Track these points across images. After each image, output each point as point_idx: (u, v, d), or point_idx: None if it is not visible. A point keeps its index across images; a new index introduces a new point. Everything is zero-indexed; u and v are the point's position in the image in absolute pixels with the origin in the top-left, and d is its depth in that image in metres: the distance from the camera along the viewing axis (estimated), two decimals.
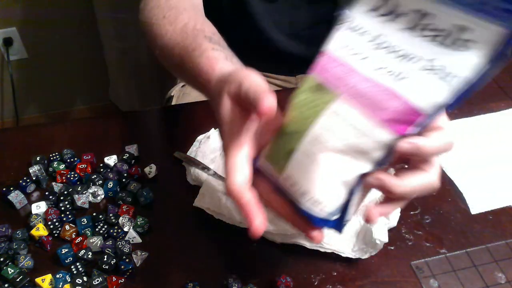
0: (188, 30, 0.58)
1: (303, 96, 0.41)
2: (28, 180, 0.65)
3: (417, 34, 0.39)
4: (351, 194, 0.40)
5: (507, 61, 0.36)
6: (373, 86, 0.38)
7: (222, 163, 0.66)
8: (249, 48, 0.85)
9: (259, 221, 0.39)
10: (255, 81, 0.39)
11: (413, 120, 0.37)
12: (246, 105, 0.40)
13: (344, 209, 0.40)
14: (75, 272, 0.55)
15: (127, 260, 0.56)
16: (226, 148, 0.41)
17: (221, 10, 0.85)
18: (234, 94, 0.41)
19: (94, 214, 0.61)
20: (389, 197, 0.43)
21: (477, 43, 0.36)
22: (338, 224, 0.41)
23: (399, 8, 0.41)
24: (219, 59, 0.51)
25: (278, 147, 0.41)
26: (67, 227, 0.59)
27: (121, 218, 0.60)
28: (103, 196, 0.64)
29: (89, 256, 0.56)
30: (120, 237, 0.59)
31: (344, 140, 0.38)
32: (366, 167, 0.38)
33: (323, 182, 0.39)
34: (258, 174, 0.43)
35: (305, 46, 0.85)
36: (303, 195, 0.40)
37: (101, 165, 0.67)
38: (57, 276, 0.54)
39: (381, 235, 0.54)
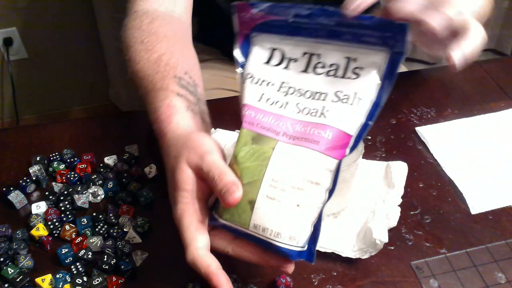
0: (161, 64, 0.57)
1: (246, 149, 0.44)
2: (28, 180, 0.65)
3: (316, 73, 0.44)
4: (318, 222, 0.43)
5: (395, 78, 0.42)
6: (304, 126, 0.43)
7: None
8: None
9: None
10: (216, 162, 0.43)
11: (346, 143, 0.42)
12: (207, 181, 0.43)
13: (315, 237, 0.44)
14: (75, 272, 0.55)
15: (127, 260, 0.56)
16: (182, 215, 0.44)
17: (216, 6, 0.85)
18: (196, 166, 0.44)
19: (94, 214, 0.61)
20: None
21: (365, 69, 0.42)
22: (311, 253, 0.44)
23: (288, 54, 0.46)
24: (179, 110, 0.51)
25: None
26: (67, 227, 0.59)
27: (121, 218, 0.60)
28: (103, 196, 0.64)
29: (89, 256, 0.56)
30: (120, 237, 0.59)
31: (298, 176, 0.42)
32: (322, 195, 0.42)
33: (293, 219, 0.42)
34: (214, 229, 0.46)
35: None
36: (277, 235, 0.43)
37: (101, 165, 0.67)
38: (57, 276, 0.54)
39: (381, 235, 0.54)
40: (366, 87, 0.42)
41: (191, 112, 0.52)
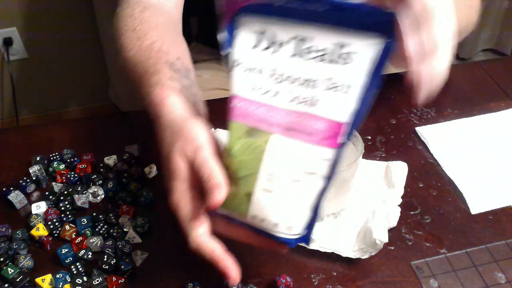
0: (153, 50, 0.58)
1: (240, 143, 0.44)
2: (28, 180, 0.65)
3: (305, 58, 0.43)
4: (316, 209, 0.44)
5: (386, 65, 0.41)
6: (297, 116, 0.43)
7: None
8: None
9: (236, 273, 0.45)
10: (207, 160, 0.43)
11: (338, 132, 0.42)
12: (198, 174, 0.44)
13: (312, 222, 0.44)
14: (75, 272, 0.55)
15: (127, 260, 0.56)
16: (178, 205, 0.45)
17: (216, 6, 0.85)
18: (189, 159, 0.45)
19: (94, 214, 0.61)
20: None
21: (358, 53, 0.41)
22: (307, 237, 0.45)
23: (277, 38, 0.44)
24: (172, 93, 0.51)
25: (233, 194, 0.44)
26: (67, 227, 0.59)
27: (121, 218, 0.60)
28: (103, 196, 0.64)
29: (89, 256, 0.56)
30: (120, 237, 0.59)
31: (294, 169, 0.42)
32: (319, 183, 0.42)
33: (290, 210, 0.43)
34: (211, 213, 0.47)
35: None
36: (275, 226, 0.43)
37: (101, 165, 0.67)
38: (57, 276, 0.54)
39: (381, 235, 0.54)
40: (357, 73, 0.42)
41: (184, 96, 0.52)
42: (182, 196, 0.45)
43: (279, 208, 0.43)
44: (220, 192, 0.42)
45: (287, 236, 0.44)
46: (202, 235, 0.45)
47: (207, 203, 0.43)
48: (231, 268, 0.45)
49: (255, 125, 0.44)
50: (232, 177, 0.44)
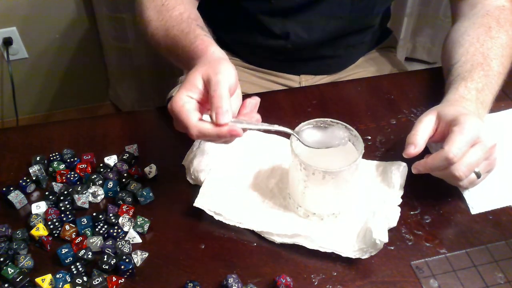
0: (183, 17, 0.68)
1: None
2: (28, 180, 0.65)
3: None
4: None
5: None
6: None
7: (223, 159, 0.66)
8: (253, 45, 0.87)
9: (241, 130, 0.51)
10: (221, 84, 0.51)
11: None
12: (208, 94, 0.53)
13: None
14: (75, 272, 0.55)
15: (127, 260, 0.56)
16: (184, 105, 0.52)
17: (222, 8, 0.86)
18: (207, 78, 0.53)
19: (94, 214, 0.61)
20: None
21: None
22: None
23: None
24: (212, 43, 0.61)
25: None
26: (67, 227, 0.59)
27: (121, 218, 0.60)
28: (103, 196, 0.64)
29: (89, 256, 0.56)
30: (120, 237, 0.59)
31: None
32: None
33: None
34: None
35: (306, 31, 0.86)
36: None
37: (101, 165, 0.67)
38: (57, 276, 0.54)
39: (381, 235, 0.54)
40: None
41: (219, 47, 0.61)
42: (189, 99, 0.53)
43: None
44: (222, 116, 0.50)
45: None
46: (200, 121, 0.52)
47: (213, 120, 0.51)
48: (236, 129, 0.51)
49: None
50: None
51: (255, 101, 0.56)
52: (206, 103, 0.54)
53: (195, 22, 0.67)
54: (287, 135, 0.58)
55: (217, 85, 0.51)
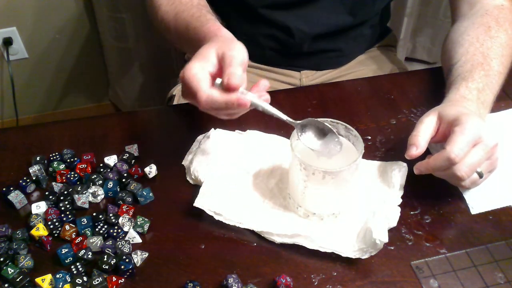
0: (193, 3, 0.71)
1: None
2: (28, 180, 0.65)
3: None
4: None
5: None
6: None
7: (224, 156, 0.66)
8: (256, 41, 0.87)
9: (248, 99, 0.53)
10: (235, 58, 0.53)
11: None
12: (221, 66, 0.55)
13: None
14: (75, 272, 0.55)
15: (127, 260, 0.56)
16: (197, 72, 0.53)
17: (223, 0, 0.87)
18: (221, 53, 0.54)
19: (94, 214, 0.61)
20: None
21: None
22: None
23: None
24: (222, 27, 0.63)
25: None
26: (67, 227, 0.59)
27: (121, 218, 0.60)
28: (103, 196, 0.64)
29: (89, 256, 0.56)
30: (120, 237, 0.59)
31: None
32: None
33: None
34: None
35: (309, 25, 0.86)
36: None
37: (101, 165, 0.67)
38: (57, 276, 0.54)
39: (381, 235, 0.54)
40: None
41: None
42: (202, 67, 0.54)
43: None
44: (234, 82, 0.52)
45: None
46: (210, 89, 0.53)
47: (224, 87, 0.53)
48: (244, 98, 0.52)
49: None
50: None
51: (268, 84, 0.58)
52: (218, 76, 0.55)
53: (205, 8, 0.70)
54: (287, 135, 0.58)
55: (232, 59, 0.53)
